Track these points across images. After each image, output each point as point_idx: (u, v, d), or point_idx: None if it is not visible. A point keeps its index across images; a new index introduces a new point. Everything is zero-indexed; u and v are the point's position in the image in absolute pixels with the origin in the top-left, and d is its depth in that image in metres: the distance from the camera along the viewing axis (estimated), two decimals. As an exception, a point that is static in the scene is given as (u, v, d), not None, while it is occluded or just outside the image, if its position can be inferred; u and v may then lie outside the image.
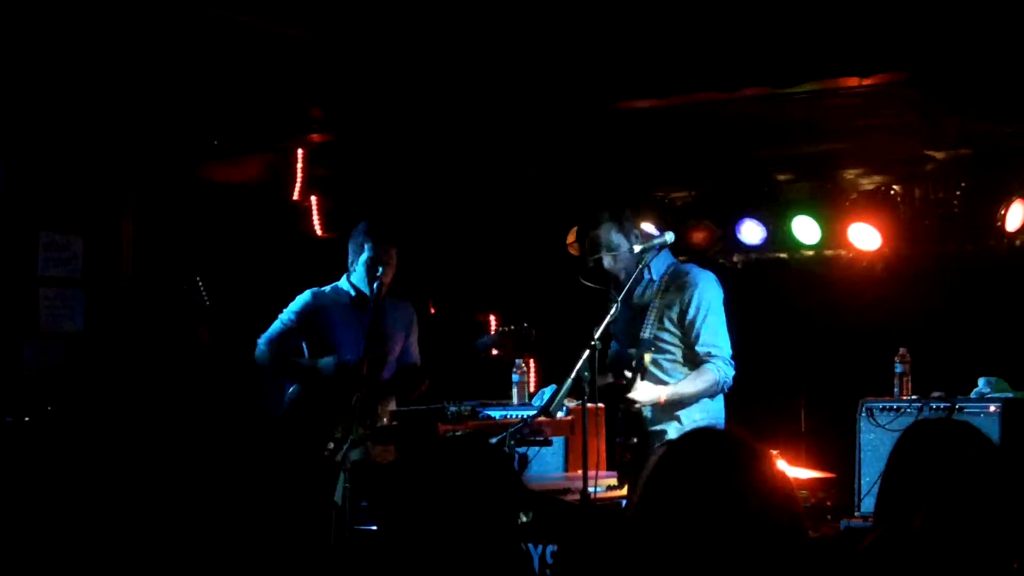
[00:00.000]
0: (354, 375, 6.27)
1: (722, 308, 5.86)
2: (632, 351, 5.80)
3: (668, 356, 5.82)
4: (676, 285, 5.86)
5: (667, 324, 5.81)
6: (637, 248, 5.61)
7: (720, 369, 5.76)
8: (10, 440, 6.89)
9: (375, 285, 6.44)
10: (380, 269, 6.44)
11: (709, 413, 5.80)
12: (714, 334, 5.80)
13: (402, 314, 6.74)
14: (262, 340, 6.67)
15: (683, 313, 5.80)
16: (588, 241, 5.95)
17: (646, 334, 5.77)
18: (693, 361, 5.81)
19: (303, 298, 6.67)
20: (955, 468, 2.46)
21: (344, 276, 6.69)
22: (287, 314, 6.66)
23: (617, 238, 5.84)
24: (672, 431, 5.63)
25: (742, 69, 6.30)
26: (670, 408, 5.74)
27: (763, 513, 2.37)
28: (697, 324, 5.79)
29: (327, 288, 6.69)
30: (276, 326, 6.66)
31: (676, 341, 5.82)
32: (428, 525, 2.95)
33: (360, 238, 6.54)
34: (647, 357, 5.72)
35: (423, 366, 6.77)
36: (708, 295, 5.84)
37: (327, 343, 6.58)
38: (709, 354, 5.77)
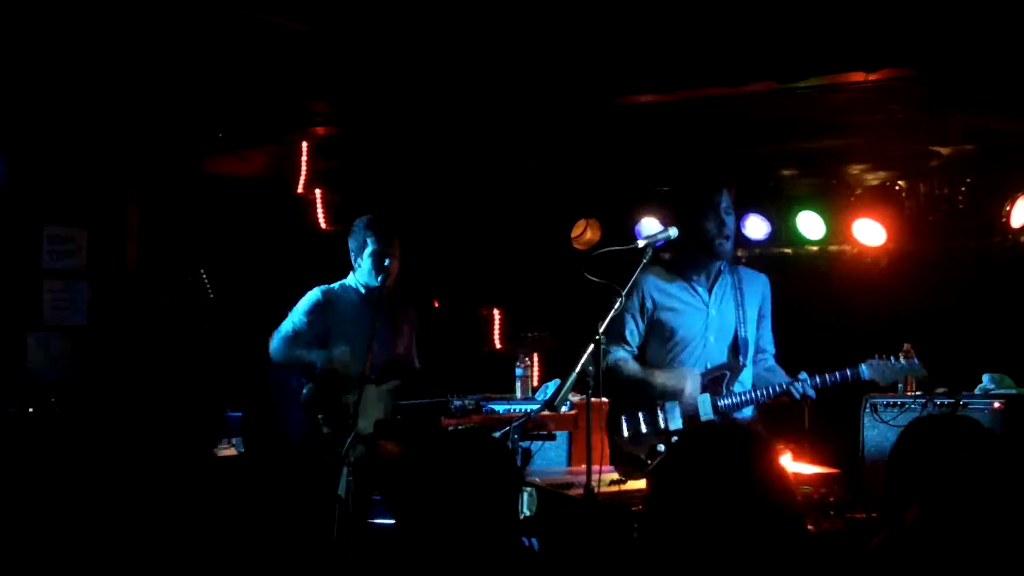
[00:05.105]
0: (359, 375, 6.21)
1: None
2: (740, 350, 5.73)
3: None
4: (749, 280, 5.84)
5: (753, 316, 5.79)
6: (641, 243, 5.59)
7: None
8: (13, 432, 6.90)
9: (382, 277, 6.41)
10: (387, 260, 6.41)
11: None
12: (772, 335, 5.86)
13: (408, 318, 6.70)
14: (275, 340, 6.55)
15: (761, 308, 5.80)
16: (712, 209, 5.65)
17: (746, 325, 5.74)
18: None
19: (313, 296, 6.56)
20: (948, 465, 2.46)
21: (351, 273, 6.65)
22: (298, 315, 6.54)
23: (733, 218, 5.73)
24: None
25: (748, 64, 6.29)
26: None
27: (779, 504, 2.39)
28: (768, 322, 5.82)
29: (336, 285, 6.60)
30: (287, 327, 6.54)
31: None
32: (431, 519, 2.95)
33: (362, 233, 6.50)
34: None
35: (411, 366, 6.70)
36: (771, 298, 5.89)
37: (336, 341, 6.55)
38: (773, 354, 5.81)
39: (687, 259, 5.74)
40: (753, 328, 5.75)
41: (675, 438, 5.45)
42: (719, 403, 5.60)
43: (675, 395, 5.59)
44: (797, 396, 5.50)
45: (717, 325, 5.73)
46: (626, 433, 5.63)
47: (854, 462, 6.28)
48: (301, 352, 6.46)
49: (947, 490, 2.44)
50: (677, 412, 5.61)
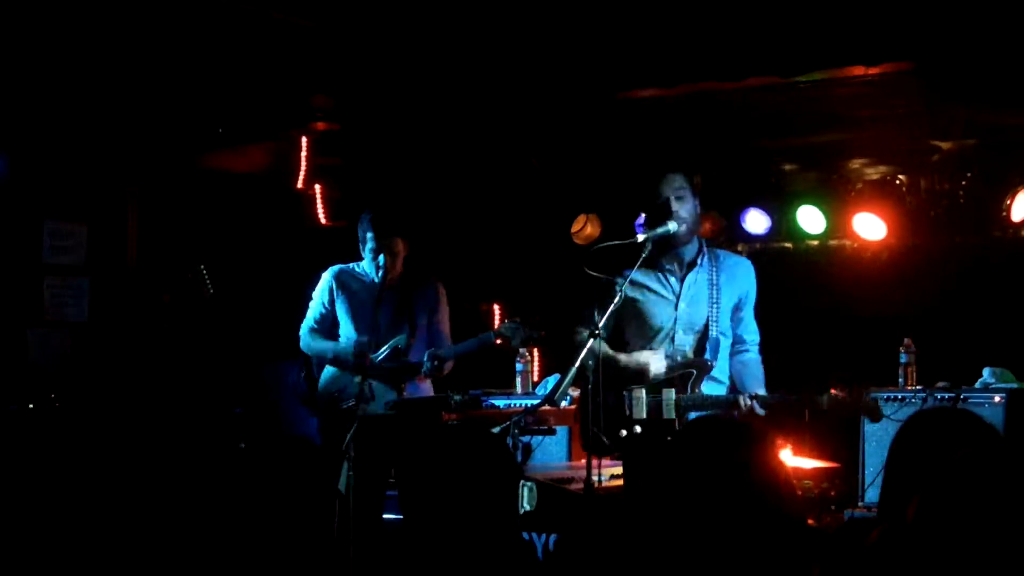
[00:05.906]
0: (363, 362, 6.23)
1: None
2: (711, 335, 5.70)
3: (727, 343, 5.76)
4: (731, 267, 5.78)
5: (728, 309, 5.74)
6: (641, 237, 5.56)
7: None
8: (14, 428, 6.90)
9: (380, 274, 6.43)
10: (382, 258, 6.42)
11: None
12: (754, 322, 5.75)
13: (426, 294, 6.69)
14: (303, 331, 6.65)
15: (740, 298, 5.74)
16: (660, 200, 5.58)
17: (718, 323, 5.69)
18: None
19: (327, 277, 6.64)
20: (949, 459, 2.46)
21: None
22: (321, 296, 6.64)
23: (690, 201, 5.63)
24: None
25: (748, 58, 6.29)
26: None
27: (778, 499, 2.39)
28: (749, 310, 5.70)
29: (350, 265, 6.66)
30: (310, 317, 6.65)
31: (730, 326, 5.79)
32: (430, 513, 2.95)
33: (364, 227, 6.53)
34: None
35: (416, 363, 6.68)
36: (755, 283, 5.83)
37: (346, 318, 6.59)
38: (755, 342, 5.69)
39: (657, 246, 5.66)
40: (727, 325, 5.69)
41: (638, 428, 5.48)
42: (682, 402, 5.59)
43: (640, 375, 5.57)
44: (742, 408, 5.46)
45: (686, 319, 5.69)
46: (593, 418, 5.64)
47: (854, 456, 6.27)
48: (320, 345, 6.58)
49: (947, 485, 2.44)
50: (643, 402, 5.62)
